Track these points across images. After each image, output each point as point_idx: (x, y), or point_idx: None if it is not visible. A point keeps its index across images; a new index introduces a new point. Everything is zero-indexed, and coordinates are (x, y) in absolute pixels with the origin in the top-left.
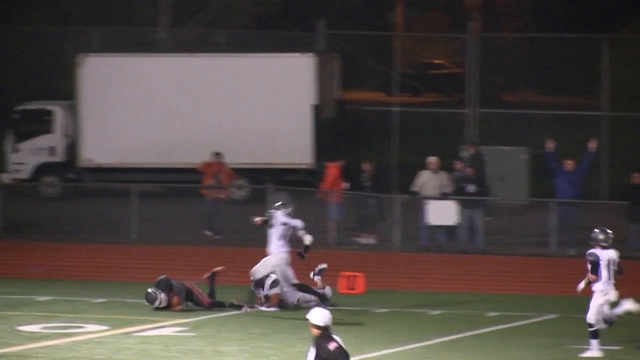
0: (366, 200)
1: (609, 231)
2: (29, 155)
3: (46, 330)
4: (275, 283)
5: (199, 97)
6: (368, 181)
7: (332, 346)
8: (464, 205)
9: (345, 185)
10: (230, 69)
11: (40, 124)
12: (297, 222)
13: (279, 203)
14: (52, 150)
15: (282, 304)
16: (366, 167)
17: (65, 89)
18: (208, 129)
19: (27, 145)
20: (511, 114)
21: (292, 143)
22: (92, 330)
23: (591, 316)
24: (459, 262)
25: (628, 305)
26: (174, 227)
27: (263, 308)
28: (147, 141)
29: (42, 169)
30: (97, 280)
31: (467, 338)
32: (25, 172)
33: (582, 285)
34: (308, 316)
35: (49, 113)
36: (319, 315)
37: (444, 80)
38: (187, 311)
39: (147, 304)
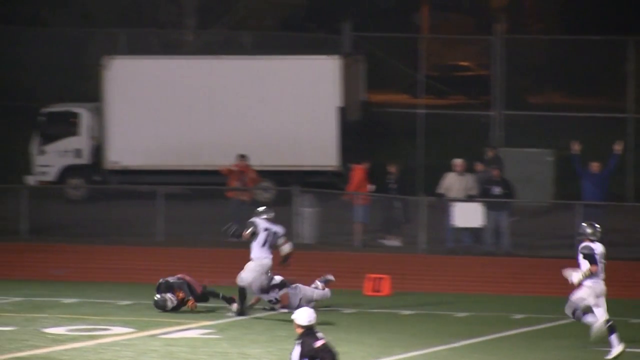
0: (392, 202)
1: (597, 225)
2: (54, 158)
3: (72, 333)
4: (283, 284)
5: (224, 100)
6: (394, 183)
7: (318, 343)
8: (490, 207)
9: (370, 187)
10: (255, 71)
11: (66, 126)
12: (279, 229)
13: (261, 209)
14: (77, 153)
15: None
16: (392, 169)
17: (91, 91)
18: (233, 131)
19: (53, 147)
20: (537, 116)
21: (318, 145)
22: (118, 332)
23: (599, 315)
24: (485, 264)
25: (596, 325)
26: (199, 229)
27: (284, 310)
28: (172, 143)
29: (68, 172)
30: (123, 282)
31: (492, 340)
32: (51, 175)
33: (578, 277)
34: (293, 316)
35: (74, 115)
36: (303, 315)
37: (470, 82)
38: (213, 314)
39: (160, 311)
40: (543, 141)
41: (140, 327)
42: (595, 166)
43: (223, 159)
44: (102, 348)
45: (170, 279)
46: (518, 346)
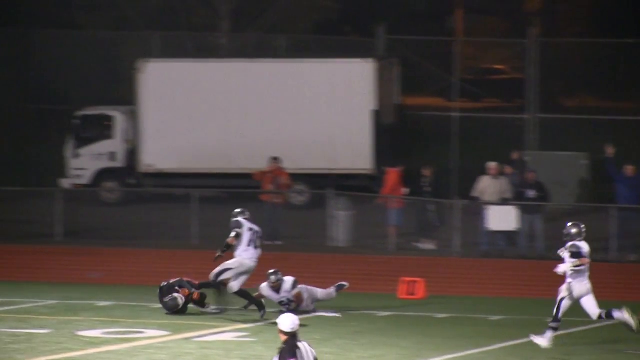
0: (426, 205)
1: (582, 225)
2: (89, 161)
3: (107, 336)
4: (295, 284)
5: (259, 103)
6: (428, 186)
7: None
8: (524, 210)
9: (405, 190)
10: (290, 75)
11: (101, 129)
12: (259, 228)
13: (239, 210)
14: (112, 156)
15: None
16: (426, 172)
17: (125, 95)
18: (268, 135)
19: (87, 150)
20: (571, 119)
21: (352, 148)
22: (153, 335)
23: (592, 313)
24: (519, 267)
25: (625, 315)
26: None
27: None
28: (207, 147)
29: (103, 175)
30: (158, 285)
31: (527, 344)
32: (85, 178)
33: (565, 267)
34: (277, 321)
35: (109, 118)
36: (287, 321)
37: (504, 86)
38: (247, 317)
39: (171, 312)
40: (577, 144)
41: (175, 330)
42: (629, 169)
43: (257, 163)
44: (137, 351)
45: (170, 281)
46: (552, 349)
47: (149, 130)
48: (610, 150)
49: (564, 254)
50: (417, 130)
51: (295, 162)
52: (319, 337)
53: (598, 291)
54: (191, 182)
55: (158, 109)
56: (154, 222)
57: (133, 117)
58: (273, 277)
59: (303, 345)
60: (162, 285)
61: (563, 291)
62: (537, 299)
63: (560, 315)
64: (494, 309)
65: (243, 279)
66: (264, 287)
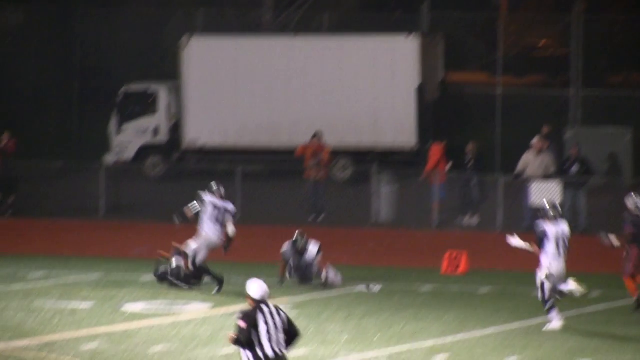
0: (469, 181)
1: (557, 204)
2: (132, 137)
3: (150, 309)
4: (320, 251)
5: (302, 79)
6: (471, 162)
7: (240, 323)
8: (568, 185)
9: (448, 166)
10: (334, 51)
11: (144, 105)
12: (230, 206)
13: (212, 185)
14: (155, 132)
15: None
16: (469, 148)
17: (169, 71)
18: (312, 111)
19: (131, 126)
20: (615, 95)
21: (396, 124)
22: (195, 309)
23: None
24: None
25: (572, 286)
26: (277, 208)
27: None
28: (250, 123)
29: (146, 150)
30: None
31: (569, 318)
32: (128, 153)
33: (519, 243)
34: (246, 285)
35: (153, 94)
36: (255, 288)
37: (548, 62)
38: (291, 290)
39: (181, 283)
40: (622, 120)
41: (218, 304)
42: None
43: (301, 139)
44: (179, 325)
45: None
46: (595, 323)
47: (193, 106)
48: None
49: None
50: (460, 106)
51: (339, 138)
52: (363, 310)
53: None
54: (234, 158)
55: (202, 84)
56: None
57: (177, 92)
58: (299, 240)
59: (269, 309)
60: (160, 271)
61: (541, 276)
62: (579, 274)
63: (547, 297)
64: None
65: (203, 252)
66: (287, 249)
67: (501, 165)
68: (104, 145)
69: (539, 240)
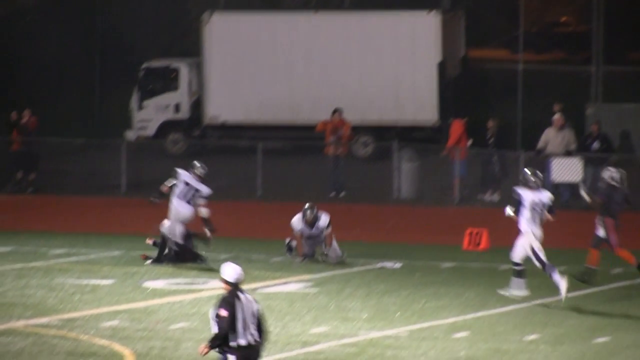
0: (490, 157)
1: (539, 173)
2: (154, 113)
3: (171, 286)
4: (330, 224)
5: (324, 55)
6: (492, 139)
7: (222, 312)
8: (589, 162)
9: (469, 143)
10: (355, 26)
11: (166, 81)
12: (203, 188)
13: (195, 163)
14: (177, 108)
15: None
16: (490, 124)
17: (190, 47)
18: (333, 87)
19: (152, 102)
20: (636, 72)
21: (417, 101)
22: (217, 286)
23: (515, 255)
24: (583, 219)
25: (562, 284)
26: (298, 184)
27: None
28: (272, 99)
29: (167, 126)
30: (223, 236)
31: (592, 294)
32: (150, 130)
33: (509, 212)
34: (221, 269)
35: (174, 70)
36: (230, 271)
37: (569, 38)
38: (310, 268)
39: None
40: None
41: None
42: None
43: (322, 115)
44: (201, 302)
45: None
46: (616, 300)
47: (214, 82)
48: None
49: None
50: (481, 83)
51: (361, 114)
52: (383, 287)
53: None
54: (256, 134)
55: (223, 60)
56: (218, 174)
57: (198, 69)
58: (309, 212)
59: (245, 297)
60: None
61: (531, 241)
62: (600, 250)
63: (544, 259)
64: (557, 260)
65: (177, 226)
66: (296, 220)
67: (522, 142)
68: (126, 121)
69: (515, 205)
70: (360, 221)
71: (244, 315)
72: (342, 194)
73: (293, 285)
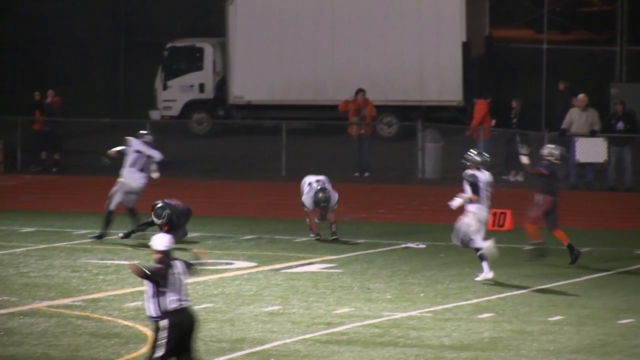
0: (514, 137)
1: (485, 154)
2: (178, 93)
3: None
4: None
5: (348, 35)
6: (516, 118)
7: (159, 265)
8: (613, 142)
9: (492, 123)
10: (379, 6)
11: (190, 61)
12: (155, 153)
13: (142, 132)
14: (201, 88)
15: None
16: (515, 104)
17: (215, 26)
18: (357, 67)
19: (176, 82)
20: None
21: (442, 80)
22: (241, 266)
23: (464, 238)
24: (608, 199)
25: (487, 244)
26: (323, 164)
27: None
28: (296, 78)
29: (192, 106)
30: (246, 217)
31: (614, 275)
32: (174, 109)
33: (457, 202)
34: (151, 242)
35: (198, 50)
36: (160, 241)
37: (594, 18)
38: (335, 248)
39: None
40: None
41: (263, 262)
42: None
43: (346, 94)
44: (225, 282)
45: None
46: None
47: (238, 62)
48: None
49: (464, 183)
50: (506, 62)
51: (385, 93)
52: (407, 268)
53: None
54: (280, 113)
55: (247, 40)
56: (242, 153)
57: (223, 48)
58: (322, 195)
59: (179, 263)
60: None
61: (471, 222)
62: (625, 231)
63: (479, 242)
64: (581, 240)
65: (131, 197)
66: (308, 198)
67: (546, 122)
68: (150, 101)
69: (473, 186)
70: (384, 201)
71: (176, 279)
72: (366, 174)
73: (317, 265)
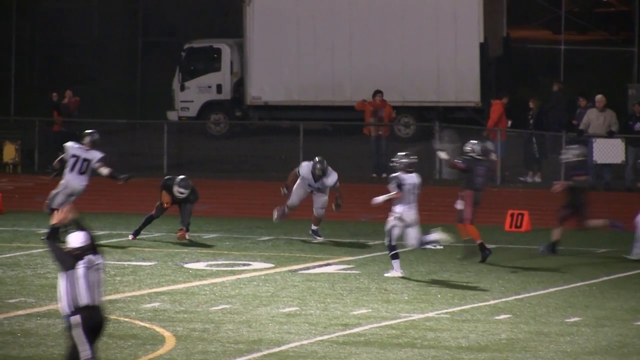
0: (531, 138)
1: (413, 156)
2: (196, 93)
3: (212, 268)
4: (337, 183)
5: (365, 36)
6: (533, 119)
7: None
8: (631, 143)
9: (509, 123)
10: (397, 6)
11: (208, 62)
12: (93, 154)
13: (87, 132)
14: (219, 88)
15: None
16: (532, 104)
17: (232, 27)
18: (374, 67)
19: (194, 83)
20: None
21: (459, 81)
22: (258, 267)
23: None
24: (625, 200)
25: (436, 235)
26: (340, 165)
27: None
28: (313, 79)
29: (209, 107)
30: (263, 217)
31: (632, 276)
32: (192, 110)
33: (381, 199)
34: (67, 239)
35: (216, 51)
36: (72, 238)
37: (611, 18)
38: (351, 251)
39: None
40: None
41: (280, 263)
42: None
43: (363, 95)
44: (242, 283)
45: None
46: None
47: (256, 63)
48: None
49: (390, 185)
50: (523, 63)
51: (402, 94)
52: (425, 269)
53: None
54: (297, 114)
55: (264, 41)
56: (260, 154)
57: (240, 49)
58: (319, 165)
59: (95, 258)
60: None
61: (394, 224)
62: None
63: (394, 242)
64: (599, 241)
65: (71, 199)
66: (306, 167)
67: (563, 122)
68: (168, 102)
69: (399, 188)
70: None
71: (89, 274)
72: (384, 175)
73: (334, 266)
